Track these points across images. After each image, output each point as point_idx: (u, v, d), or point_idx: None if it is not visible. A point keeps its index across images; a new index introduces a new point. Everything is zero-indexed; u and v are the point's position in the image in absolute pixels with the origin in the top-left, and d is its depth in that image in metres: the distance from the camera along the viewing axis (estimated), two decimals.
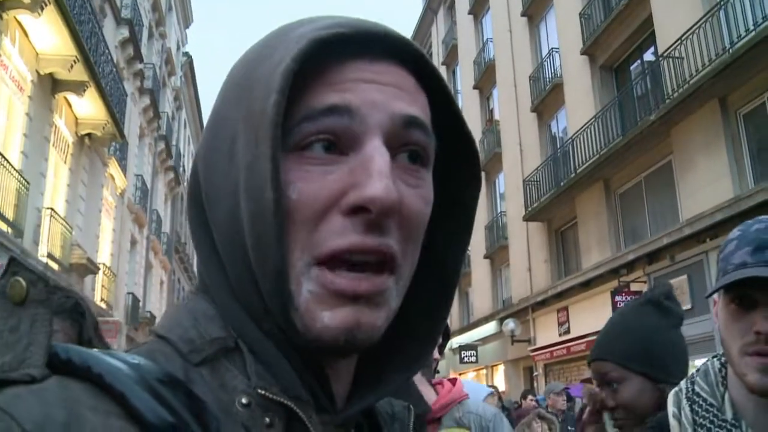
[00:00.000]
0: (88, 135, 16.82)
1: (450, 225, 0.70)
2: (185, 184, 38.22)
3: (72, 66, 13.58)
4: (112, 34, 19.55)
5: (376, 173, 0.54)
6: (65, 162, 15.79)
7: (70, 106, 15.58)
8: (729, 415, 1.26)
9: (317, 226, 0.56)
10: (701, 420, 1.28)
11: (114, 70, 17.23)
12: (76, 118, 16.15)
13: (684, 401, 1.33)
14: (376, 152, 0.56)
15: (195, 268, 0.63)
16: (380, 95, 0.58)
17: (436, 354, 2.99)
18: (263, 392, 0.56)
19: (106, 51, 16.21)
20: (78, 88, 14.44)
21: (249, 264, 0.58)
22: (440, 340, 1.92)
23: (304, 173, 0.56)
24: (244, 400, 0.55)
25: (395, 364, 0.67)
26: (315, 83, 0.57)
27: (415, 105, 0.60)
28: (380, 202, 0.54)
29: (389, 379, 0.66)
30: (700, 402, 1.31)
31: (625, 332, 1.88)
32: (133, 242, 24.39)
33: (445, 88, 0.64)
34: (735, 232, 1.29)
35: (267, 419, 0.55)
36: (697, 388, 1.33)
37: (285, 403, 0.56)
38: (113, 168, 20.08)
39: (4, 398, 0.46)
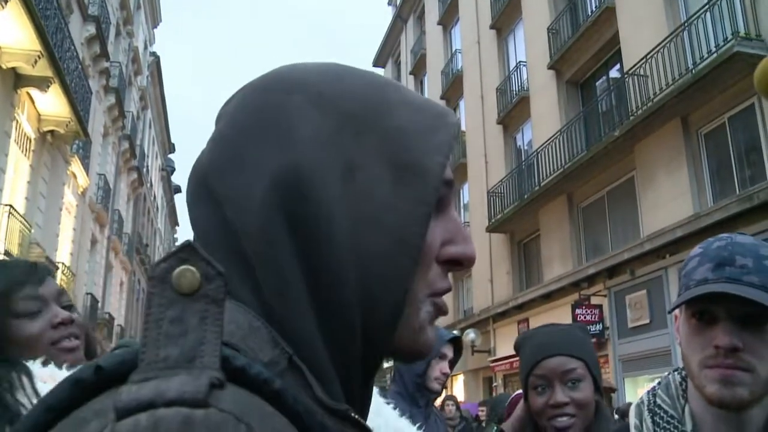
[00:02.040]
0: (51, 132, 16.54)
1: None
2: (149, 184, 38.01)
3: (36, 61, 13.37)
4: (79, 30, 19.28)
5: (469, 237, 0.67)
6: (26, 158, 15.52)
7: (32, 101, 15.31)
8: (689, 426, 1.29)
9: (430, 267, 0.64)
10: (662, 431, 1.31)
11: (79, 67, 16.99)
12: (39, 115, 15.88)
13: (646, 413, 1.36)
14: (459, 219, 0.68)
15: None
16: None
17: (447, 369, 3.03)
18: (346, 412, 0.56)
19: (72, 47, 15.97)
20: (41, 83, 14.21)
21: (361, 285, 0.60)
22: (452, 355, 1.97)
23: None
24: None
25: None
26: None
27: None
28: (472, 261, 0.67)
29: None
30: (661, 414, 1.33)
31: (583, 341, 1.94)
32: (94, 242, 24.04)
33: None
34: (697, 249, 1.33)
35: None
36: (658, 401, 1.36)
37: (359, 422, 0.58)
38: (76, 166, 19.76)
39: (227, 403, 0.44)
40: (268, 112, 0.63)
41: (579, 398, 1.80)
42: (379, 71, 39.25)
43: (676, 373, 1.39)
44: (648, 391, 1.42)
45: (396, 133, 0.63)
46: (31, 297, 1.59)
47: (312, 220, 0.59)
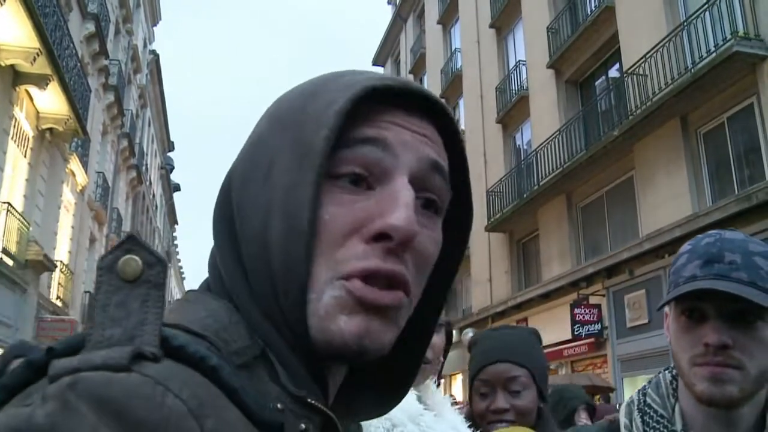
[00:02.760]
0: (50, 130, 16.51)
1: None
2: (148, 183, 38.00)
3: (35, 59, 13.34)
4: (78, 28, 19.25)
5: (402, 204, 0.60)
6: (24, 156, 15.49)
7: (31, 99, 15.29)
8: (679, 426, 1.28)
9: (341, 247, 0.61)
10: (651, 431, 1.30)
11: (78, 64, 16.96)
12: (38, 112, 15.85)
13: (635, 412, 1.35)
14: (404, 187, 0.62)
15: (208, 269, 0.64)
16: (411, 138, 0.64)
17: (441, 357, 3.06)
18: (306, 399, 0.59)
19: (71, 45, 15.94)
20: (40, 81, 14.18)
21: (273, 277, 0.62)
22: (444, 343, 1.97)
23: (336, 199, 0.62)
24: (279, 406, 0.57)
25: (367, 396, 0.73)
26: (357, 122, 0.63)
27: (440, 156, 0.67)
28: (403, 231, 0.59)
29: (364, 410, 0.73)
30: (651, 413, 1.33)
31: (531, 348, 1.96)
32: (92, 240, 24.02)
33: (463, 153, 0.71)
34: (686, 246, 1.32)
35: (302, 425, 0.58)
36: (648, 400, 1.35)
37: (323, 410, 0.60)
38: (74, 164, 19.73)
39: (151, 370, 0.48)
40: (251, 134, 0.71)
41: (520, 406, 1.83)
42: (379, 70, 39.24)
43: (666, 372, 1.39)
44: (638, 391, 1.41)
45: (303, 120, 0.64)
46: None
47: (236, 219, 0.67)
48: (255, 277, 0.64)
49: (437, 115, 0.68)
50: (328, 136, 0.60)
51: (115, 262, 0.53)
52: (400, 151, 0.63)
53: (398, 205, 0.60)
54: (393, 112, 0.64)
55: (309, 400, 0.59)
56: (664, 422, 1.30)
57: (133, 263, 0.52)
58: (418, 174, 0.63)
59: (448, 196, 0.68)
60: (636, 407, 1.36)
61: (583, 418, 4.18)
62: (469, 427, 1.82)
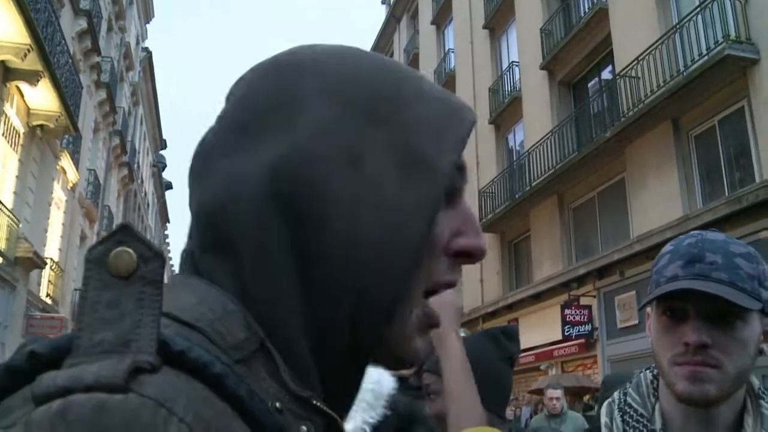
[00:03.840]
0: (41, 126, 16.46)
1: None
2: (139, 181, 37.89)
3: (26, 55, 13.29)
4: (70, 24, 19.18)
5: (480, 229, 0.65)
6: (15, 153, 15.43)
7: (22, 95, 15.23)
8: (658, 424, 1.29)
9: (434, 260, 0.62)
10: (631, 430, 1.31)
11: (70, 61, 16.90)
12: (29, 109, 15.79)
13: (616, 411, 1.36)
14: (471, 209, 0.66)
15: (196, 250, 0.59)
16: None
17: None
18: (310, 400, 0.55)
19: (63, 41, 15.88)
20: (31, 77, 14.14)
21: (356, 279, 0.58)
22: None
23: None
24: (277, 405, 0.53)
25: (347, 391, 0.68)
26: None
27: None
28: (483, 253, 0.65)
29: (345, 402, 0.67)
30: (631, 412, 1.34)
31: (471, 350, 1.97)
32: (83, 238, 23.94)
33: None
34: (668, 247, 1.33)
35: (304, 427, 0.54)
36: (629, 399, 1.36)
37: (327, 412, 0.57)
38: (65, 161, 19.66)
39: (150, 388, 0.43)
40: (277, 96, 0.62)
41: (433, 410, 1.92)
42: None
43: (647, 371, 1.40)
44: (619, 390, 1.42)
45: (407, 127, 0.61)
46: None
47: (308, 207, 0.58)
48: (323, 273, 0.58)
49: None
50: (455, 162, 0.62)
51: (105, 255, 0.47)
52: (467, 179, 0.67)
53: (478, 230, 0.65)
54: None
55: (314, 402, 0.56)
56: (643, 421, 1.31)
57: (126, 256, 0.47)
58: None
59: None
60: (616, 406, 1.37)
61: None
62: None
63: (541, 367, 17.58)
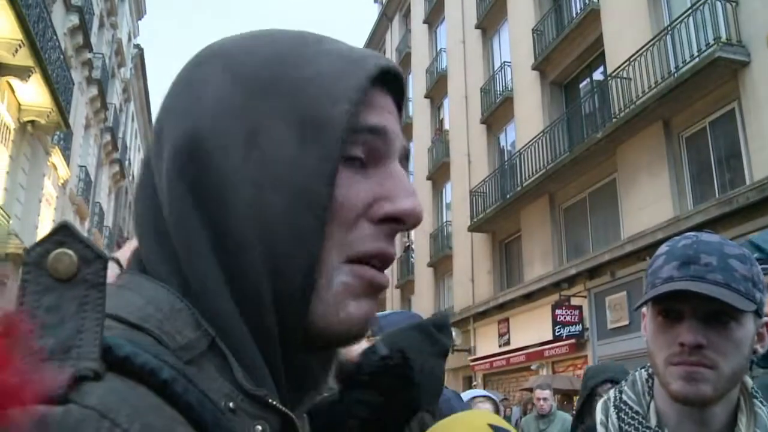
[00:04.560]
0: (32, 122, 16.38)
1: None
2: (131, 177, 37.77)
3: (17, 50, 13.24)
4: (61, 20, 19.10)
5: (411, 191, 0.61)
6: (6, 148, 15.35)
7: (13, 91, 15.15)
8: (653, 422, 1.31)
9: (351, 228, 0.59)
10: (627, 427, 1.33)
11: (61, 57, 16.83)
12: (19, 104, 15.72)
13: (612, 409, 1.38)
14: (403, 173, 0.63)
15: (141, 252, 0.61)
16: (396, 127, 0.64)
17: None
18: (265, 398, 0.54)
19: (54, 37, 15.82)
20: (22, 73, 14.08)
21: (268, 254, 0.56)
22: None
23: (345, 178, 0.59)
24: (230, 405, 0.52)
25: (314, 373, 0.66)
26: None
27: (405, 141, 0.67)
28: (415, 216, 0.61)
29: (315, 384, 0.66)
30: (627, 410, 1.35)
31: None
32: None
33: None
34: (663, 248, 1.35)
35: (259, 427, 0.53)
36: (624, 397, 1.38)
37: (281, 409, 0.55)
38: (56, 157, 19.58)
39: (93, 398, 0.41)
40: (182, 84, 0.62)
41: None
42: None
43: (643, 370, 1.41)
44: (615, 388, 1.44)
45: (302, 88, 0.59)
46: None
47: (213, 188, 0.57)
48: (238, 255, 0.57)
49: (397, 92, 0.67)
50: (349, 111, 0.58)
51: (44, 257, 0.44)
52: (393, 138, 0.63)
53: (409, 192, 0.61)
54: (383, 96, 0.64)
55: (269, 400, 0.54)
56: (639, 419, 1.33)
57: (66, 259, 0.45)
58: (399, 161, 0.64)
59: None
60: (612, 404, 1.39)
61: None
62: None
63: (532, 367, 17.60)
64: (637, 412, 1.34)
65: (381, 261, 0.61)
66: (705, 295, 1.20)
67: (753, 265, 1.26)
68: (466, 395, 4.55)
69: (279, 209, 0.56)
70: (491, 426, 1.37)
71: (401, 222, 0.61)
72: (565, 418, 7.74)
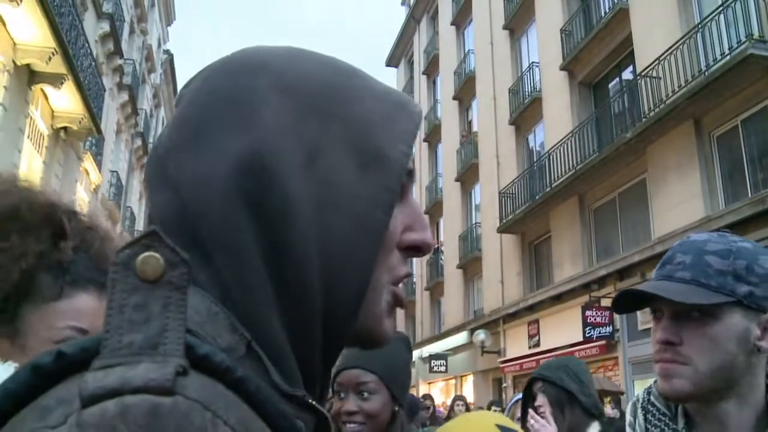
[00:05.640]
0: (64, 128, 16.64)
1: None
2: None
3: (50, 58, 13.44)
4: (93, 28, 19.38)
5: (427, 224, 0.69)
6: (40, 155, 15.61)
7: (46, 98, 15.41)
8: (681, 423, 1.31)
9: (392, 253, 0.65)
10: (653, 429, 1.34)
11: (93, 64, 17.08)
12: (53, 111, 15.98)
13: (639, 410, 1.39)
14: (419, 205, 0.70)
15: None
16: None
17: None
18: (304, 398, 0.57)
19: (86, 45, 16.06)
20: (55, 80, 14.29)
21: (324, 270, 0.60)
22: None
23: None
24: None
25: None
26: None
27: None
28: (430, 247, 0.69)
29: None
30: (654, 411, 1.36)
31: (386, 353, 2.06)
32: None
33: None
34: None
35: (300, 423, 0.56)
36: (652, 398, 1.39)
37: (318, 409, 0.59)
38: (88, 163, 19.88)
39: (193, 391, 0.45)
40: (232, 95, 0.62)
41: (368, 409, 1.97)
42: (392, 71, 39.28)
43: None
44: (645, 389, 1.45)
45: (359, 121, 0.63)
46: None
47: (275, 205, 0.58)
48: (293, 267, 0.58)
49: None
50: (407, 153, 0.65)
51: (133, 259, 0.48)
52: (415, 178, 0.70)
53: (426, 224, 0.69)
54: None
55: (307, 399, 0.57)
56: (665, 420, 1.33)
57: (153, 261, 0.48)
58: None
59: None
60: (640, 405, 1.40)
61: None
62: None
63: None
64: (664, 414, 1.34)
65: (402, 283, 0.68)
66: (651, 294, 1.25)
67: (738, 259, 1.25)
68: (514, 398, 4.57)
69: (339, 230, 0.60)
70: (498, 426, 1.39)
71: (420, 251, 0.68)
72: None
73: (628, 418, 1.40)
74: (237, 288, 0.58)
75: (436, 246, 29.72)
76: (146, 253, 0.48)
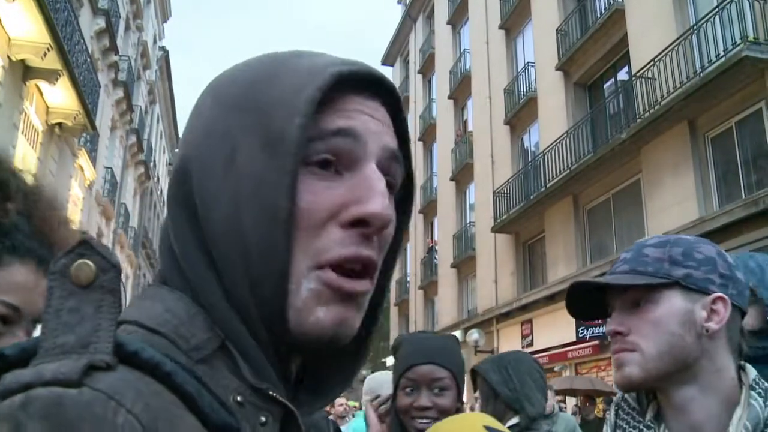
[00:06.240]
0: (59, 124, 16.59)
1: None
2: (156, 179, 38.10)
3: (45, 54, 13.39)
4: (88, 24, 19.32)
5: (378, 193, 0.62)
6: (34, 150, 15.57)
7: (41, 94, 15.36)
8: (649, 416, 1.34)
9: (319, 234, 0.61)
10: (621, 423, 1.37)
11: (88, 60, 17.02)
12: (47, 107, 15.92)
13: (613, 407, 1.43)
14: (375, 174, 0.63)
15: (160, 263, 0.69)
16: (376, 127, 0.65)
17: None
18: (267, 391, 0.60)
19: (81, 41, 16.01)
20: (50, 76, 14.24)
21: (248, 267, 0.61)
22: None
23: (310, 186, 0.61)
24: (238, 399, 0.59)
25: (333, 377, 0.71)
26: (324, 108, 0.62)
27: (395, 142, 0.68)
28: (380, 218, 0.61)
29: (330, 390, 0.71)
30: (624, 406, 1.40)
31: (454, 353, 2.11)
32: (100, 235, 24.05)
33: (406, 132, 0.72)
34: None
35: (262, 418, 0.59)
36: (626, 395, 1.42)
37: (282, 401, 0.61)
38: (83, 159, 19.82)
39: (103, 383, 0.48)
40: (190, 117, 0.69)
41: (442, 404, 1.98)
42: (388, 70, 39.26)
43: None
44: None
45: (269, 105, 0.62)
46: None
47: (200, 208, 0.63)
48: (225, 267, 0.62)
49: (386, 95, 0.69)
50: (302, 124, 0.60)
51: (68, 267, 0.52)
52: (367, 140, 0.64)
53: (375, 193, 0.61)
54: (356, 99, 0.65)
55: (270, 392, 0.60)
56: (633, 414, 1.37)
57: (86, 268, 0.52)
58: (381, 162, 0.65)
59: (401, 177, 0.70)
60: (614, 403, 1.44)
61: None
62: (395, 420, 2.04)
63: (555, 369, 17.52)
64: (633, 408, 1.38)
65: (359, 265, 0.63)
66: (611, 286, 1.32)
67: (674, 246, 1.31)
68: None
69: (250, 224, 0.61)
70: (486, 428, 1.39)
71: (366, 224, 0.62)
72: (569, 418, 7.90)
73: (609, 415, 1.44)
74: (200, 291, 0.63)
75: (431, 245, 29.73)
76: (79, 261, 0.52)
